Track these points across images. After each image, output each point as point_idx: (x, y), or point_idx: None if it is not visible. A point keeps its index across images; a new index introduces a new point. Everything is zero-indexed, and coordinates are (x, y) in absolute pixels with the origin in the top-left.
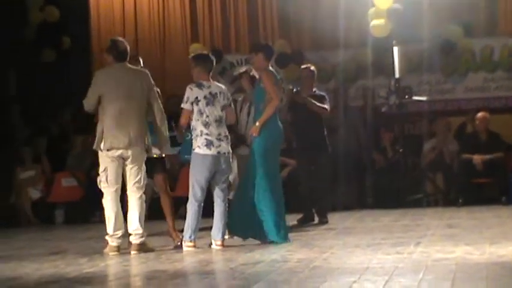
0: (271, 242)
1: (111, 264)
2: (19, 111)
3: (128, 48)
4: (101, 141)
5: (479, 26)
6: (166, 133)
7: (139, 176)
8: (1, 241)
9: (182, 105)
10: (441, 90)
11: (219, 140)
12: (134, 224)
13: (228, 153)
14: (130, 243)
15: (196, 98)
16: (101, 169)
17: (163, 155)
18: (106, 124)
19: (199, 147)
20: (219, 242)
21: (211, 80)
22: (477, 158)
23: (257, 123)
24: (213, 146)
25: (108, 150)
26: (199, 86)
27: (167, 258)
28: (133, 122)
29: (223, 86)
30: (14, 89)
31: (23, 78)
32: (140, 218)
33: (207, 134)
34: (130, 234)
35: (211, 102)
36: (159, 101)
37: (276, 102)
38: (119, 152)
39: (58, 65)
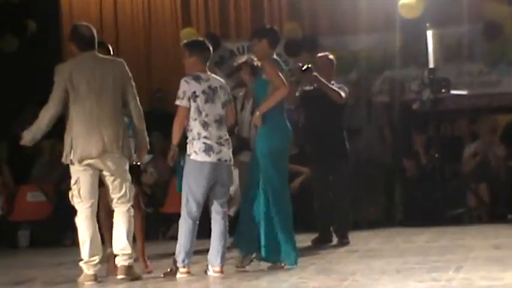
0: (281, 267)
1: None
2: None
3: (95, 33)
4: (70, 151)
5: None
6: (145, 135)
7: (124, 189)
8: None
9: (177, 102)
10: (485, 83)
11: (220, 144)
12: (121, 242)
13: (230, 160)
14: (115, 266)
15: (194, 92)
16: (72, 181)
17: (138, 163)
18: (75, 129)
19: (196, 153)
20: (218, 268)
21: (208, 72)
22: None
23: (257, 112)
24: (213, 151)
25: (79, 161)
26: (197, 79)
27: None
28: (107, 124)
29: (222, 80)
30: None
31: None
32: (128, 235)
33: (205, 137)
34: (116, 255)
35: (211, 99)
36: (137, 97)
37: (283, 91)
38: (92, 161)
39: (21, 54)
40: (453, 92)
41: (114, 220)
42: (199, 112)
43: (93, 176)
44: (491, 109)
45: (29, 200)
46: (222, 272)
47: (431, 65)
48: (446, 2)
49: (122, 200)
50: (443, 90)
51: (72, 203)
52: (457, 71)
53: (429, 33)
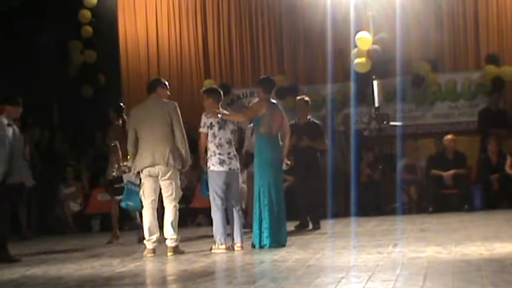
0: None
1: (138, 265)
2: (61, 137)
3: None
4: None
5: (444, 63)
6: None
7: (171, 191)
8: (47, 247)
9: (200, 130)
10: (413, 117)
11: (230, 158)
12: (169, 230)
13: (237, 169)
14: (166, 246)
15: (211, 123)
16: (141, 184)
17: None
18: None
19: (213, 165)
20: (224, 245)
21: (221, 109)
22: (447, 174)
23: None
24: (225, 163)
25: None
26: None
27: (186, 260)
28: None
29: None
30: (58, 119)
31: (66, 109)
32: (173, 224)
33: (219, 154)
34: (166, 239)
35: (223, 127)
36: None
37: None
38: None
39: (95, 98)
40: (391, 123)
41: (165, 213)
42: (215, 136)
43: (153, 182)
44: (417, 135)
45: (99, 199)
46: (227, 248)
47: (376, 104)
48: (387, 61)
49: (170, 199)
50: (384, 122)
51: (141, 199)
52: (394, 108)
53: (375, 83)
